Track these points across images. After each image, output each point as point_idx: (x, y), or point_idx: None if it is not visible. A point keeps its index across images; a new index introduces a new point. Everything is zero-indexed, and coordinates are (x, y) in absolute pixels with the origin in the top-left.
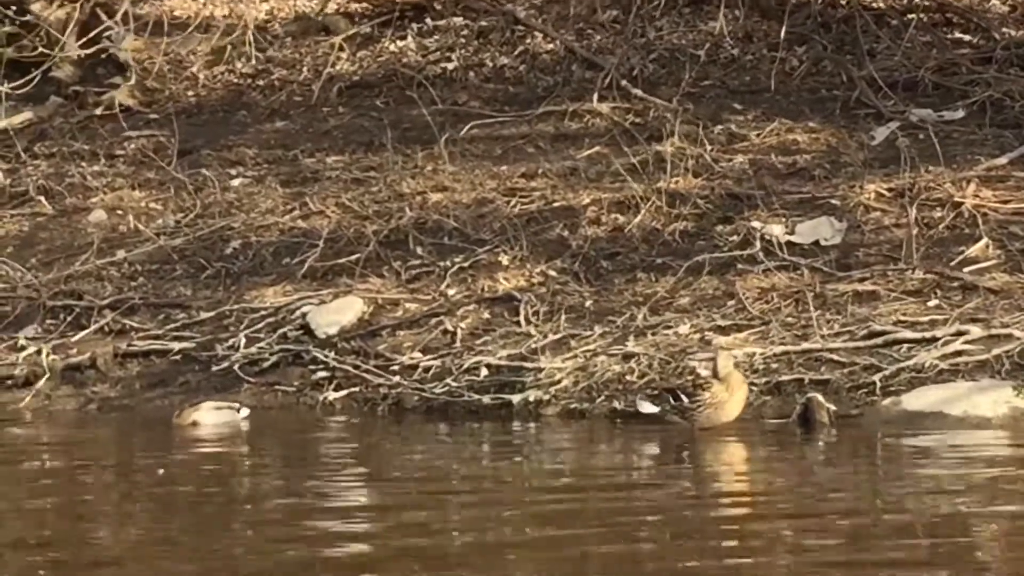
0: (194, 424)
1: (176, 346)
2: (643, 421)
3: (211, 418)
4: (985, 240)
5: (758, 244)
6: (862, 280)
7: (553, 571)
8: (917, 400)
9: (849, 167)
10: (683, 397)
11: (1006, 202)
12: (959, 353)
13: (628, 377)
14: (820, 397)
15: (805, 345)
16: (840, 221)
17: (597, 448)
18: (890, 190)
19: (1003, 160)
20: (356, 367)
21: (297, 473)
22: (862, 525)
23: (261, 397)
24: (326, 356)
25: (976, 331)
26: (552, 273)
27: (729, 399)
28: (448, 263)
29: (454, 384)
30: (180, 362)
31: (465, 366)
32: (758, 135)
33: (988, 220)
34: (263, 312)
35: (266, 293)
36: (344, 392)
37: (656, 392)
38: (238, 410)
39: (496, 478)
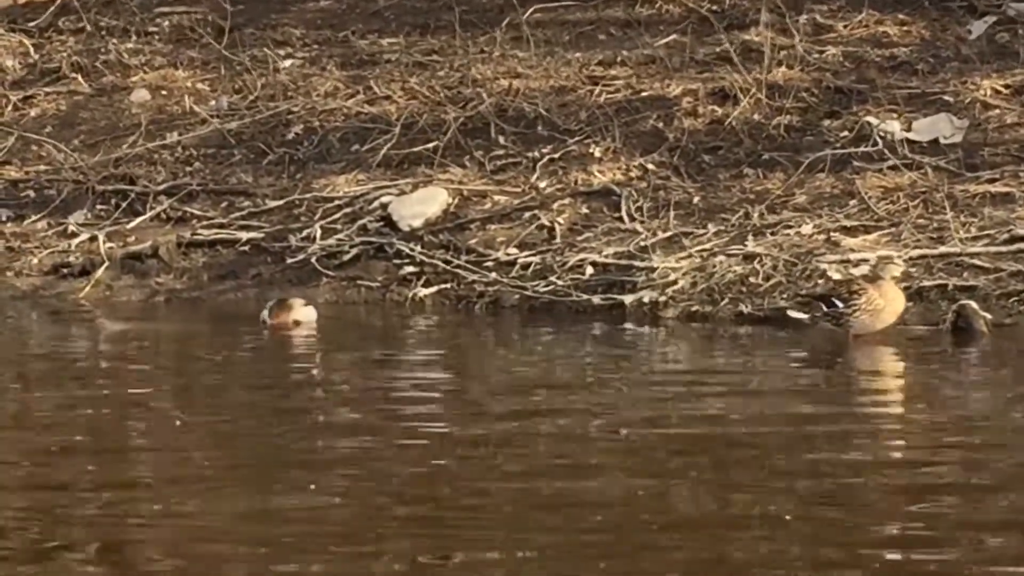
0: (296, 323)
1: (244, 236)
2: (773, 325)
3: (308, 315)
4: None
5: (879, 142)
6: (992, 181)
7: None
8: None
9: (953, 62)
10: (838, 302)
11: None
12: None
13: (752, 279)
14: (974, 304)
15: (943, 249)
16: (959, 118)
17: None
18: (1006, 87)
19: None
20: (447, 262)
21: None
22: None
23: (343, 292)
24: (412, 250)
25: None
26: (650, 167)
27: (886, 306)
28: (536, 154)
29: (559, 282)
30: (249, 253)
31: (569, 264)
32: (846, 26)
33: None
34: (338, 202)
35: (336, 181)
36: (434, 288)
37: (806, 299)
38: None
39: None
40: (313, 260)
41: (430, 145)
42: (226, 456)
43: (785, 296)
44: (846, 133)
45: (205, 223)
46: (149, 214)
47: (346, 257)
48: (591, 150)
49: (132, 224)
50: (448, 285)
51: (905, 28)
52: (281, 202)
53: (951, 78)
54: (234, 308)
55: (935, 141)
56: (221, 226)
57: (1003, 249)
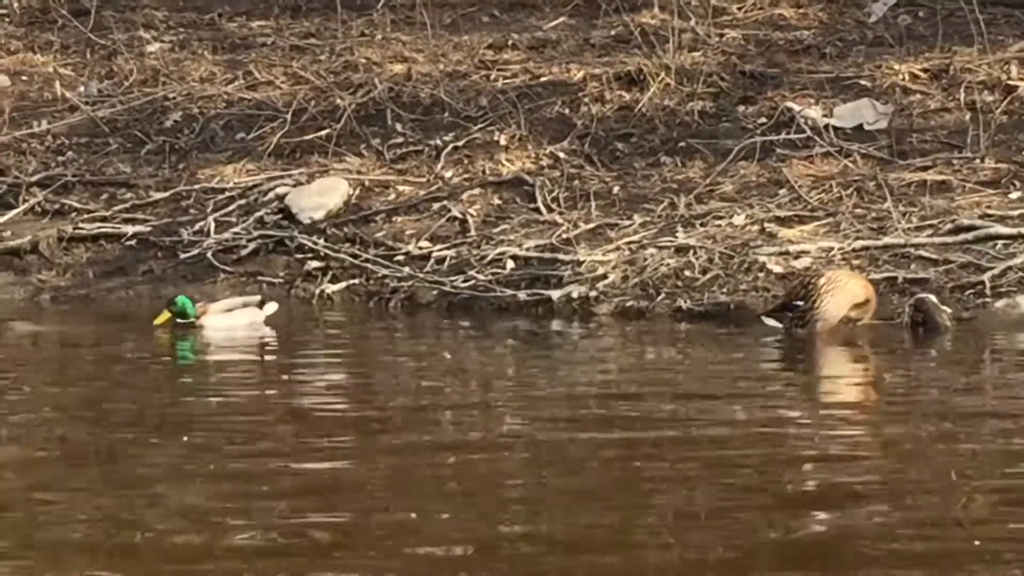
0: (199, 326)
1: (129, 230)
2: (714, 321)
3: (222, 322)
4: None
5: (807, 129)
6: (925, 169)
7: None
8: None
9: (860, 45)
10: (798, 302)
11: None
12: None
13: (687, 272)
14: (934, 298)
15: (887, 240)
16: (882, 103)
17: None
18: (924, 71)
19: None
20: (355, 256)
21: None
22: None
23: (243, 288)
24: (315, 243)
25: None
26: (561, 155)
27: (847, 282)
28: (438, 142)
29: (480, 277)
30: (137, 248)
31: (488, 258)
32: (740, 8)
33: None
34: (229, 193)
35: (224, 172)
36: (343, 284)
37: (775, 309)
38: (260, 305)
39: None
40: (209, 255)
41: (323, 133)
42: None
43: (725, 290)
44: (764, 119)
45: (86, 216)
46: (23, 207)
47: (244, 252)
48: (496, 138)
49: (5, 218)
50: (357, 281)
51: (801, 11)
52: (167, 194)
53: (864, 62)
54: (126, 307)
55: (859, 127)
56: (104, 219)
57: (948, 240)
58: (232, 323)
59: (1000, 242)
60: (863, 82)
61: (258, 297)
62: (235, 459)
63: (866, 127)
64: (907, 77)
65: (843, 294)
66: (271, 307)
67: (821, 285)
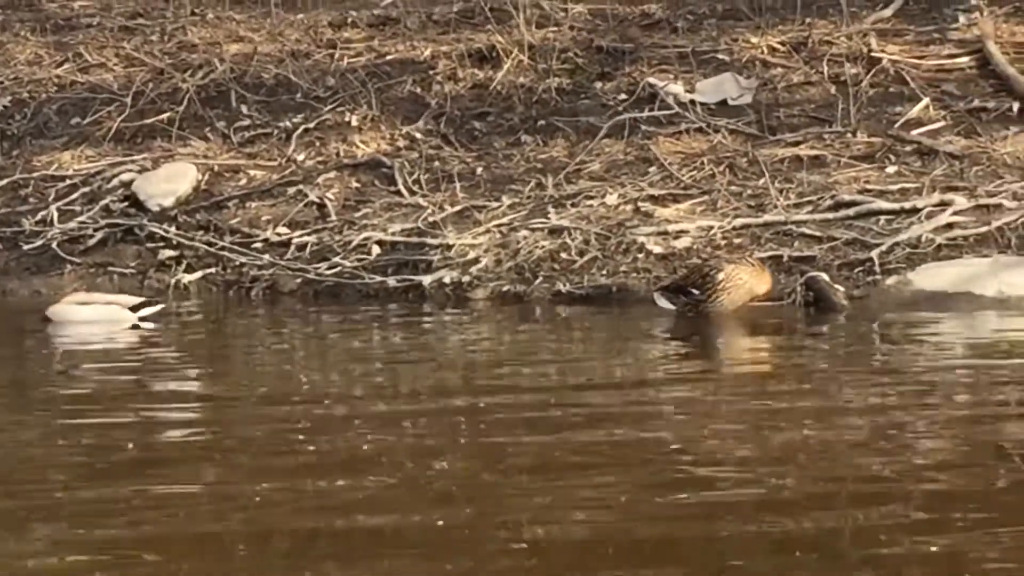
0: (44, 320)
1: None
2: (594, 305)
3: (69, 314)
4: (926, 100)
5: (673, 105)
6: (796, 144)
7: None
8: (931, 279)
9: (711, 19)
10: (694, 291)
11: (920, 58)
12: (950, 226)
13: (564, 255)
14: (826, 276)
15: (767, 217)
16: (746, 78)
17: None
18: (782, 44)
19: (888, 12)
20: (210, 244)
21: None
22: None
23: (92, 280)
24: (167, 232)
25: (961, 201)
26: (417, 135)
27: (747, 282)
28: (287, 123)
29: (346, 264)
30: None
31: (353, 243)
32: None
33: (914, 78)
34: (70, 181)
35: (62, 158)
36: (199, 274)
37: (669, 287)
38: (137, 308)
39: None
40: (54, 245)
41: (164, 116)
42: None
43: (604, 272)
44: (624, 96)
45: None
46: None
47: (91, 242)
48: (348, 119)
49: None
50: (213, 270)
51: None
52: (2, 182)
53: (719, 35)
54: None
55: (723, 103)
56: None
57: (830, 216)
58: (82, 317)
59: (883, 218)
60: (721, 56)
61: (134, 299)
62: None
63: (730, 102)
64: (766, 50)
65: (740, 293)
66: (150, 309)
67: (720, 282)
